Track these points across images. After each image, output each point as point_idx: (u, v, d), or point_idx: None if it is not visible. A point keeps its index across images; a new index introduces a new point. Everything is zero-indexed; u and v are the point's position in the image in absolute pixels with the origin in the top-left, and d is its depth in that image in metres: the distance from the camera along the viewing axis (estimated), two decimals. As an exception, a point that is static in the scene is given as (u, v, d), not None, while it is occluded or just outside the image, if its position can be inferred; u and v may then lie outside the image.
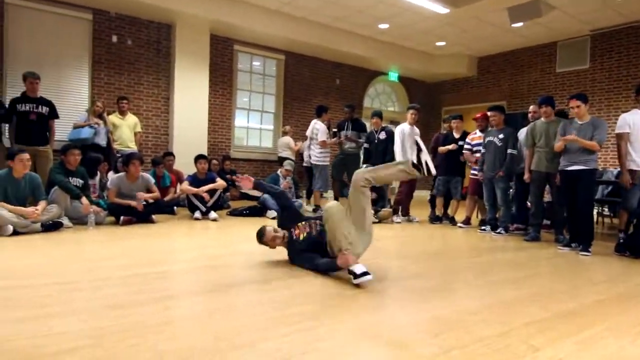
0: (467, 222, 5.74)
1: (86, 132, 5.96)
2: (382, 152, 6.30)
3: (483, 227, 5.41)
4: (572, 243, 4.30)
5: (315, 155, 6.65)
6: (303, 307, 2.20)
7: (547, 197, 5.04)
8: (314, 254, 2.92)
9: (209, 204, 5.48)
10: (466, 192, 5.97)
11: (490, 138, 5.31)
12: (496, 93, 10.40)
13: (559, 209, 4.69)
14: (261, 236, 3.13)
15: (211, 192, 5.57)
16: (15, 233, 3.90)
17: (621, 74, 8.23)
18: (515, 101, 9.91)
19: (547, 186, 4.87)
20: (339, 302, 2.32)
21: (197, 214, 5.37)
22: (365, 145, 6.64)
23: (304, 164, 7.91)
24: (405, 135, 6.03)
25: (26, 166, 4.22)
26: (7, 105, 5.15)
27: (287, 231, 3.15)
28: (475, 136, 5.86)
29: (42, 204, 4.25)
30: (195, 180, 5.57)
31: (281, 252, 3.24)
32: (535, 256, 3.97)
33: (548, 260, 3.83)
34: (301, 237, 3.04)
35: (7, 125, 5.19)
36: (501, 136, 5.21)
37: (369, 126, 6.77)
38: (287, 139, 8.63)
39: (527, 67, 9.78)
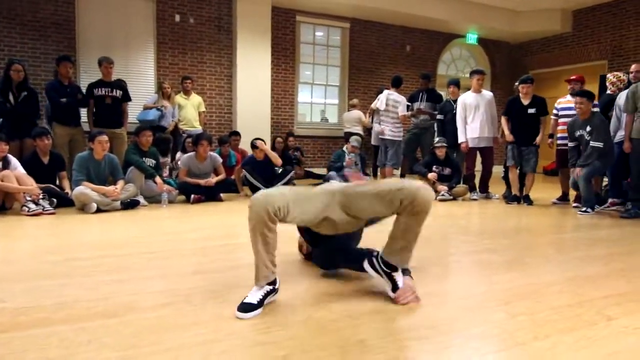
0: (563, 198, 5.64)
1: (152, 114, 6.60)
2: None
3: (575, 204, 5.31)
4: (678, 220, 4.14)
5: (391, 130, 6.70)
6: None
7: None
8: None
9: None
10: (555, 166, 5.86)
11: (580, 132, 5.03)
12: (595, 51, 9.79)
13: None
14: None
15: (282, 175, 5.99)
16: (98, 210, 4.53)
17: None
18: (618, 60, 9.28)
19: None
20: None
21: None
22: (439, 116, 6.66)
23: (372, 141, 8.06)
24: (466, 106, 5.97)
25: (105, 148, 4.86)
26: (84, 90, 5.87)
27: None
28: (564, 100, 5.72)
29: (120, 183, 4.88)
30: (253, 162, 5.89)
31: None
32: (632, 233, 3.90)
33: (646, 238, 3.75)
34: None
35: (84, 109, 5.90)
36: (589, 128, 4.93)
37: (445, 96, 6.78)
38: (358, 113, 8.73)
39: (635, 19, 9.07)
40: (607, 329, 1.82)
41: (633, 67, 5.30)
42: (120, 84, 6.03)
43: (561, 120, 5.70)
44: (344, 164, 6.36)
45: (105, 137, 4.85)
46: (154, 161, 5.34)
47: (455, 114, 6.29)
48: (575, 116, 5.18)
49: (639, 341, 1.72)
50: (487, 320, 1.89)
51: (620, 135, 5.08)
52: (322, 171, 7.56)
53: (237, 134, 7.34)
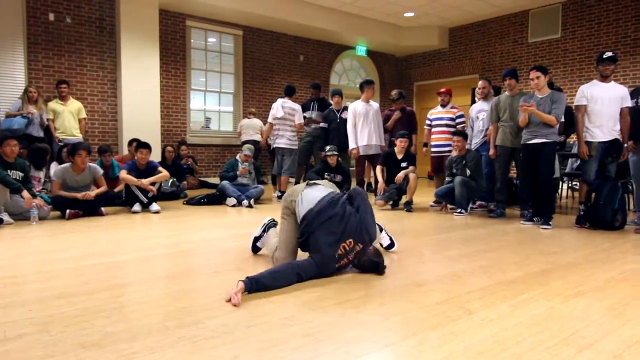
0: (439, 201, 6.05)
1: (18, 123, 5.94)
2: (344, 133, 6.53)
3: (452, 207, 5.75)
4: (534, 217, 4.68)
5: (288, 138, 6.68)
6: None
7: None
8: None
9: (150, 195, 5.33)
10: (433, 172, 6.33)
11: (456, 168, 5.48)
12: (468, 66, 10.78)
13: (523, 183, 5.05)
14: None
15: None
16: (-49, 232, 3.96)
17: (592, 43, 8.69)
18: (487, 74, 10.30)
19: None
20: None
21: (137, 207, 5.26)
22: (323, 124, 6.87)
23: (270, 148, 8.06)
24: (356, 115, 6.24)
25: (-41, 160, 4.26)
26: None
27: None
28: (435, 111, 6.25)
29: (-22, 199, 4.30)
30: (135, 169, 5.41)
31: (238, 237, 3.41)
32: (497, 231, 4.31)
33: (508, 235, 4.17)
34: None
35: None
36: (464, 162, 5.43)
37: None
38: (258, 122, 8.70)
39: (499, 38, 10.15)
40: (467, 323, 1.97)
41: (480, 83, 5.91)
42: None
43: (434, 129, 6.22)
44: (237, 173, 6.25)
45: (-42, 148, 4.26)
46: (21, 173, 4.79)
47: (339, 122, 6.62)
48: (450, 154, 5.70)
49: (493, 332, 1.88)
50: (361, 323, 1.95)
51: (474, 143, 5.76)
52: (216, 180, 7.34)
53: (135, 141, 6.81)
